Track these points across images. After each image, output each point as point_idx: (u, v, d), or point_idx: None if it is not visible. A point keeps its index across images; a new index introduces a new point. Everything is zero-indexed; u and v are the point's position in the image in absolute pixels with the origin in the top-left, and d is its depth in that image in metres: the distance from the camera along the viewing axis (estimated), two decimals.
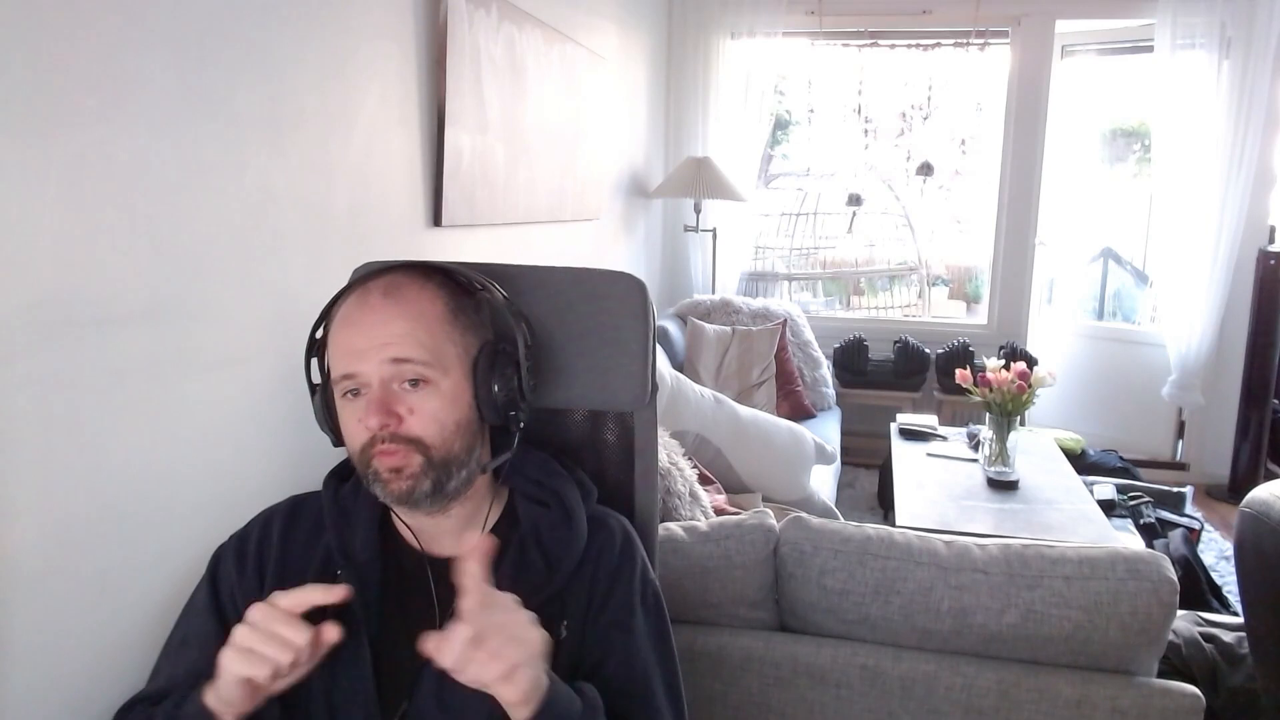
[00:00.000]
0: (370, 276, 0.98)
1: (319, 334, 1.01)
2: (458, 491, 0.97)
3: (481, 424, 1.00)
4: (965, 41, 4.37)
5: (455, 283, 1.01)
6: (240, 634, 0.84)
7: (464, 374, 0.97)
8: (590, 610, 0.99)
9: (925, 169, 4.90)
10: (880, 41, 4.53)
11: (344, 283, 1.04)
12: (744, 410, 2.78)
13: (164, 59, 1.24)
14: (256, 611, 0.85)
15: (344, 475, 1.06)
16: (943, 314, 5.80)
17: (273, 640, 0.83)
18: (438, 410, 0.94)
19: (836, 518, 2.08)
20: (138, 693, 1.00)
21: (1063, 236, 4.62)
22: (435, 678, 0.90)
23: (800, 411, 3.86)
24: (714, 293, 4.39)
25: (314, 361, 1.02)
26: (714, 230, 4.40)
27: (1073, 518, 2.62)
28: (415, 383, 0.93)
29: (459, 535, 1.01)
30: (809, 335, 4.21)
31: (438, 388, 0.94)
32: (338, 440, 1.00)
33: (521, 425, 1.01)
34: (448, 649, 0.79)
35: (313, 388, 1.02)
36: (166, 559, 1.28)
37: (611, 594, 0.99)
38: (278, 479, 1.49)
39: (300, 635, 0.84)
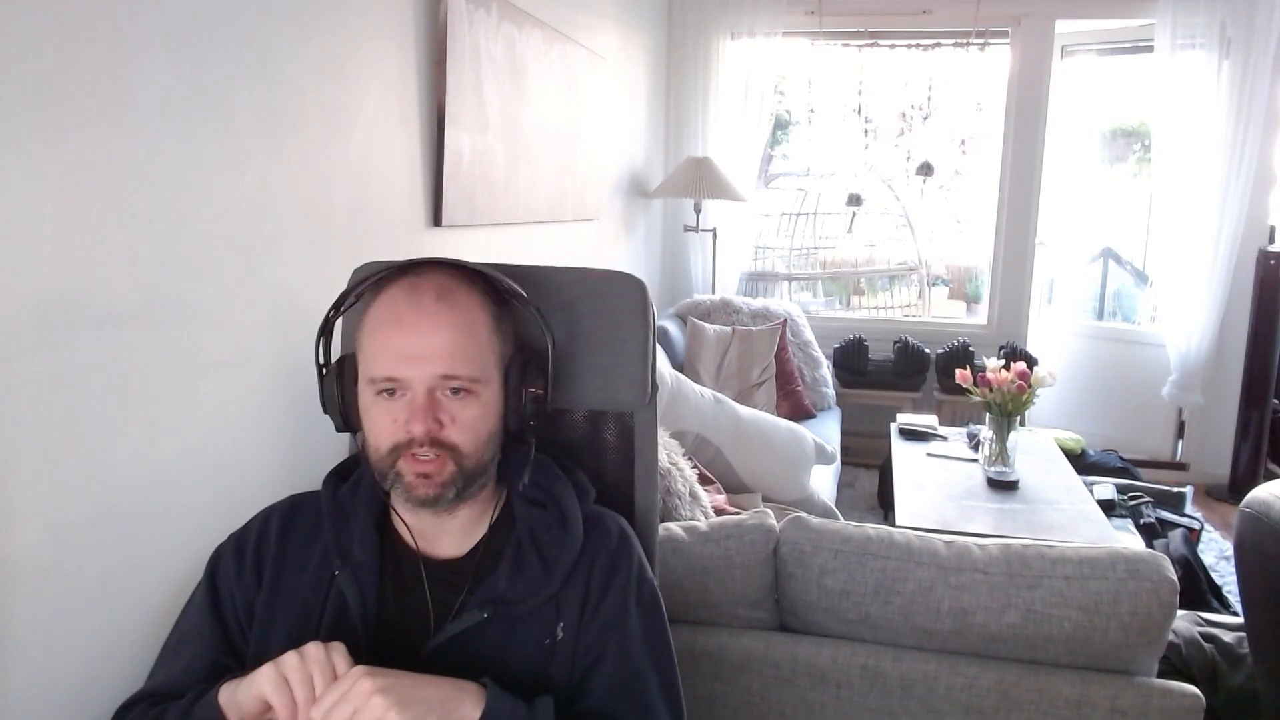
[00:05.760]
0: (413, 270, 0.95)
1: (333, 315, 0.99)
2: (473, 495, 0.98)
3: (503, 431, 1.00)
4: (965, 41, 4.37)
5: (494, 290, 1.00)
6: (289, 661, 0.83)
7: (499, 384, 0.97)
8: (586, 611, 0.98)
9: (925, 169, 4.90)
10: (880, 41, 4.53)
11: (344, 283, 1.04)
12: (744, 410, 2.78)
13: (164, 59, 1.24)
14: (313, 648, 0.84)
15: (343, 475, 1.06)
16: (943, 314, 5.80)
17: (308, 682, 0.82)
18: (475, 420, 0.94)
19: (836, 518, 2.08)
20: (136, 692, 1.00)
21: (1063, 236, 4.62)
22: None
23: (800, 411, 3.85)
24: (714, 293, 4.39)
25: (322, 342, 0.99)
26: (714, 230, 4.39)
27: (1073, 518, 2.62)
28: (457, 390, 0.93)
29: (459, 536, 1.01)
30: (809, 335, 4.21)
31: (478, 398, 0.94)
32: (343, 426, 0.99)
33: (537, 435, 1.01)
34: None
35: (321, 369, 0.99)
36: (166, 559, 1.28)
37: (607, 594, 0.99)
38: (277, 479, 1.49)
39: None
